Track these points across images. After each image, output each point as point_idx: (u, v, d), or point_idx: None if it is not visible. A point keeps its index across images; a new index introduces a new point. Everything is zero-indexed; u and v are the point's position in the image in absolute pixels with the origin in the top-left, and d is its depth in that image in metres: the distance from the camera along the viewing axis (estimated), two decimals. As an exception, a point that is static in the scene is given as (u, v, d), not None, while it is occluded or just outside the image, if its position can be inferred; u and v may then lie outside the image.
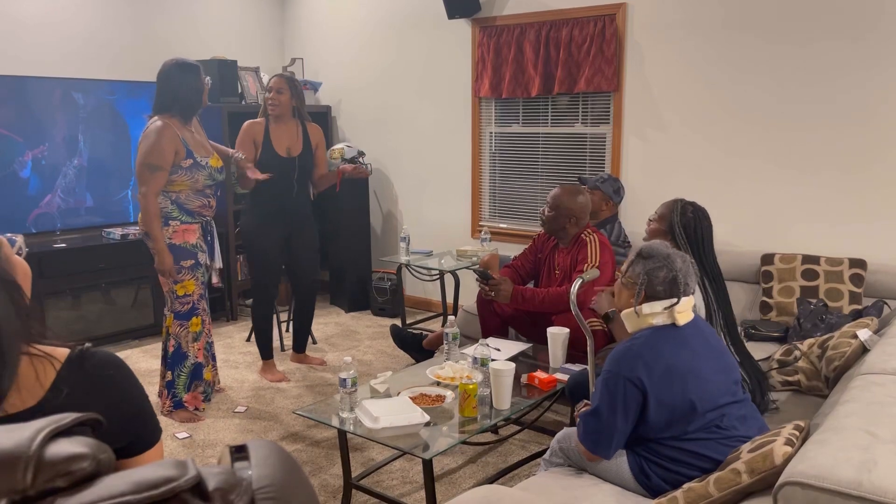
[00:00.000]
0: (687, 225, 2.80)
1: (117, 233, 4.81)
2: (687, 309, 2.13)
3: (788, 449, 1.64)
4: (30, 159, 4.58)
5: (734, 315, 2.79)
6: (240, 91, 5.49)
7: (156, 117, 3.47)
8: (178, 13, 5.47)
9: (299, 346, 4.46)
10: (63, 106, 4.68)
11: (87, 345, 1.16)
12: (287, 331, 5.04)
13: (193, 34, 5.57)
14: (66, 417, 0.60)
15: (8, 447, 0.53)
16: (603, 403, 2.08)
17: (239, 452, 0.62)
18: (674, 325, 2.10)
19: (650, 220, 2.94)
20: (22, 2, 4.64)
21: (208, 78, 3.66)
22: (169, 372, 3.64)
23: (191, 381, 3.68)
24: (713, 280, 2.74)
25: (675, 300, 2.09)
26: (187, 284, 3.59)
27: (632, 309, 2.14)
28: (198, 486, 0.53)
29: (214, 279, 3.88)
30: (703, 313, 2.69)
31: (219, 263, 3.82)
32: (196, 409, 3.70)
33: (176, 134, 3.44)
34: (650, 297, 2.12)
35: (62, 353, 1.12)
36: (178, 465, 0.54)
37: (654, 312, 2.10)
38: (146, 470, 0.53)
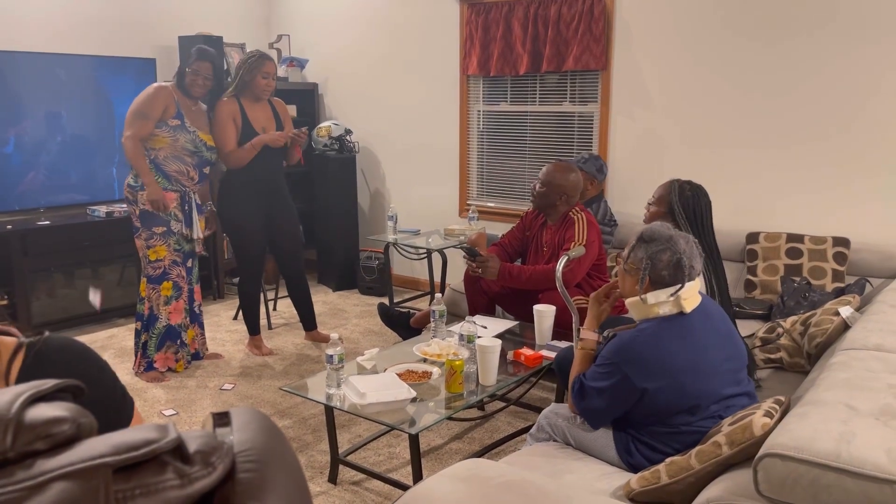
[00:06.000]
0: (686, 204, 2.78)
1: (102, 210, 4.77)
2: (693, 294, 2.05)
3: (767, 420, 1.67)
4: (12, 136, 4.52)
5: (730, 295, 2.80)
6: (225, 68, 5.43)
7: None
8: (162, -12, 5.39)
9: (308, 323, 4.42)
10: (46, 82, 4.61)
11: (46, 334, 1.18)
12: (274, 309, 5.04)
13: (179, 9, 5.49)
14: (47, 383, 0.60)
15: (-13, 410, 0.53)
16: (594, 382, 2.08)
17: (221, 418, 0.63)
18: (681, 313, 2.03)
19: (648, 205, 2.92)
20: (2, -25, 4.55)
21: (194, 66, 3.73)
22: (145, 334, 3.84)
23: (161, 342, 3.86)
24: (712, 259, 2.74)
25: (679, 286, 2.02)
26: (158, 250, 3.77)
27: (637, 297, 2.07)
28: (178, 449, 0.53)
29: (198, 248, 3.95)
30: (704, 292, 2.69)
31: (197, 234, 3.88)
32: (168, 368, 3.90)
33: (172, 95, 3.72)
34: (655, 282, 2.05)
35: (9, 343, 1.13)
36: (158, 429, 0.54)
37: (660, 301, 2.03)
38: (127, 432, 0.53)
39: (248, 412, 0.64)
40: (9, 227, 4.35)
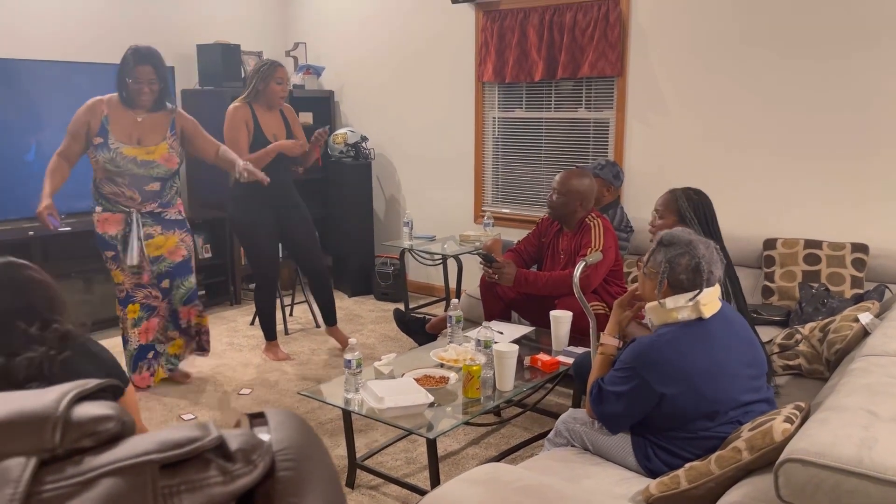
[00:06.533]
0: (696, 209, 2.78)
1: (121, 217, 4.80)
2: (712, 300, 2.05)
3: (788, 426, 1.66)
4: (33, 143, 4.58)
5: (745, 299, 2.79)
6: (243, 76, 5.48)
7: None
8: (180, -3, 5.45)
9: (329, 318, 4.40)
10: (66, 90, 4.67)
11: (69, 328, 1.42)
12: (290, 315, 5.07)
13: (197, 18, 5.55)
14: (89, 383, 0.62)
15: (36, 408, 0.55)
16: (613, 386, 2.08)
17: (257, 418, 0.64)
18: (700, 318, 2.04)
19: (654, 220, 2.89)
20: (24, -15, 4.63)
21: (134, 73, 3.44)
22: (126, 352, 3.75)
23: (135, 365, 3.75)
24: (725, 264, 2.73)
25: (698, 291, 2.02)
26: (115, 274, 3.66)
27: (656, 302, 2.08)
28: (221, 447, 0.55)
29: (144, 276, 3.66)
30: None
31: (132, 260, 3.56)
32: (147, 387, 3.80)
33: (101, 110, 3.48)
34: (673, 286, 2.05)
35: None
36: (201, 427, 0.56)
37: (679, 307, 2.03)
38: (170, 431, 0.55)
39: (282, 413, 0.65)
40: (30, 233, 4.41)
